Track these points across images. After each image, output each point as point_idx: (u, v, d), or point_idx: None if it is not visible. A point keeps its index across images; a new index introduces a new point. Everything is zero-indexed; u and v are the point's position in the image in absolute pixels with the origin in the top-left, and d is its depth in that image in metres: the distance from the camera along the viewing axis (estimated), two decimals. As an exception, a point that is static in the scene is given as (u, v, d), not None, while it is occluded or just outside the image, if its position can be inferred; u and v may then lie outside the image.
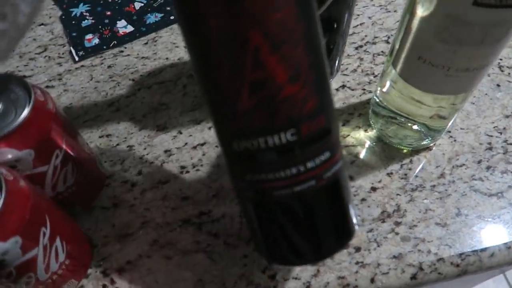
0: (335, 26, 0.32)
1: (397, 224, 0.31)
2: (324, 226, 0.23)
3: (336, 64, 0.37)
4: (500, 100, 0.37)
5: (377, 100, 0.33)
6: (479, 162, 0.34)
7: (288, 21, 0.19)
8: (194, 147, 0.35)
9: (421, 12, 0.24)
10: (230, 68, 0.19)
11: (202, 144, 0.35)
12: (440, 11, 0.23)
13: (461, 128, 0.35)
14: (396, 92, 0.30)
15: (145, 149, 0.35)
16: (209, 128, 0.36)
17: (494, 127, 0.35)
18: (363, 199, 0.32)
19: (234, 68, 0.19)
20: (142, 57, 0.41)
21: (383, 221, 0.31)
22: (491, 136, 0.35)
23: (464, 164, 0.34)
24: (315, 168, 0.21)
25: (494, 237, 0.30)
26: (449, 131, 0.35)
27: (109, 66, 0.40)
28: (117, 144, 0.35)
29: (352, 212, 0.24)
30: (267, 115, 0.20)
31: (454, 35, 0.23)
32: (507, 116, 0.36)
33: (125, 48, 0.42)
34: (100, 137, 0.36)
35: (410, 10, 0.25)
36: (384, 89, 0.32)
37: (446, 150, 0.34)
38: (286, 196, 0.22)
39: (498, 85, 0.38)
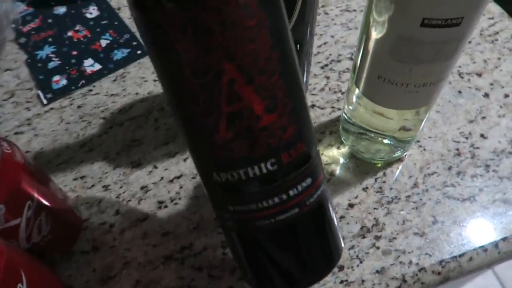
0: (298, 47, 0.33)
1: (377, 238, 0.31)
2: (311, 251, 0.23)
3: (304, 85, 0.38)
4: (463, 106, 0.38)
5: (346, 117, 0.34)
6: (450, 168, 0.35)
7: (262, 51, 0.18)
8: (171, 181, 0.35)
9: (375, 34, 0.25)
10: (205, 101, 0.19)
11: (179, 177, 0.35)
12: (392, 33, 0.24)
13: (429, 137, 0.37)
14: (362, 108, 0.31)
15: (121, 187, 0.35)
16: (184, 160, 0.36)
17: (460, 133, 0.37)
18: (342, 217, 0.33)
19: (210, 102, 0.19)
20: (112, 94, 0.41)
21: (363, 237, 0.31)
22: (458, 142, 0.36)
23: (435, 172, 0.34)
24: (297, 195, 0.21)
25: (470, 241, 0.31)
26: (418, 141, 0.36)
27: (78, 107, 0.40)
28: (92, 185, 0.35)
29: (338, 232, 0.25)
30: (246, 146, 0.20)
31: (407, 54, 0.24)
32: (471, 121, 0.37)
33: (94, 86, 0.42)
34: (74, 179, 0.36)
35: (365, 32, 0.26)
36: (351, 106, 0.32)
37: (417, 159, 0.35)
38: (270, 225, 0.22)
39: (460, 92, 0.39)
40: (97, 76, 0.42)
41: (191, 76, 0.18)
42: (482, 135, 0.36)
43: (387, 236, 0.31)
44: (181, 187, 0.35)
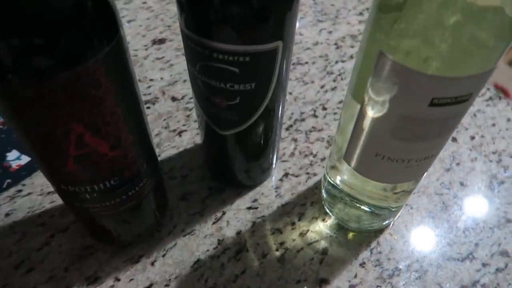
0: (272, 113, 0.29)
1: (389, 322, 0.28)
2: (142, 221, 0.30)
3: (276, 151, 0.35)
4: (436, 154, 0.37)
5: (332, 182, 0.31)
6: (441, 225, 0.33)
7: (108, 109, 0.21)
8: (140, 294, 0.29)
9: (372, 113, 0.22)
10: (55, 149, 0.21)
11: (149, 287, 0.29)
12: (394, 113, 0.21)
13: (412, 193, 0.35)
14: (354, 179, 0.28)
15: (77, 314, 0.28)
16: (152, 264, 0.30)
17: (441, 184, 0.35)
18: (346, 303, 0.29)
19: (59, 149, 0.21)
20: (49, 192, 0.34)
21: (374, 324, 0.28)
22: (441, 194, 0.35)
23: (428, 232, 0.32)
24: (135, 193, 0.26)
25: (482, 306, 0.29)
26: (402, 199, 0.34)
27: (6, 215, 0.33)
28: (39, 319, 0.28)
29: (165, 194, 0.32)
30: (92, 174, 0.23)
31: (412, 133, 0.22)
32: (447, 170, 0.36)
33: (24, 185, 0.34)
34: (12, 314, 0.28)
35: (359, 104, 0.23)
36: (340, 178, 0.29)
37: (407, 220, 0.33)
38: (112, 214, 0.27)
39: (429, 139, 0.39)
40: (26, 171, 0.35)
41: (41, 132, 0.20)
42: (461, 183, 0.35)
43: (399, 318, 0.28)
44: (153, 300, 0.29)
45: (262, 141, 0.30)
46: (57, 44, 0.17)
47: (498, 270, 0.31)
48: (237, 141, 0.29)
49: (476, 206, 0.34)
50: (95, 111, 0.20)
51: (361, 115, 0.23)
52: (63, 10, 0.17)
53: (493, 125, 0.40)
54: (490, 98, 0.42)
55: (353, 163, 0.26)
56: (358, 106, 0.23)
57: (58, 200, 0.34)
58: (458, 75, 0.18)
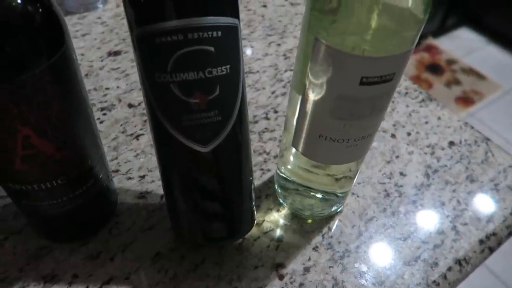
0: (245, 109, 0.30)
1: (341, 298, 0.30)
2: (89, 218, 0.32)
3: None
4: (377, 149, 0.41)
5: (284, 175, 0.33)
6: (384, 210, 0.36)
7: (55, 114, 0.22)
8: (99, 289, 0.29)
9: (313, 96, 0.25)
10: (3, 148, 0.23)
11: (108, 282, 0.30)
12: (331, 94, 0.24)
13: (358, 183, 0.38)
14: (302, 169, 0.31)
15: (33, 313, 0.28)
16: (112, 259, 0.31)
17: (383, 175, 0.39)
18: (301, 284, 0.31)
19: (6, 148, 0.22)
20: (1, 197, 0.34)
21: (328, 301, 0.30)
22: (384, 183, 0.38)
23: (373, 217, 0.35)
24: (82, 193, 0.28)
25: (423, 278, 0.32)
26: (349, 189, 0.37)
27: (-44, 220, 0.32)
28: (-8, 320, 0.27)
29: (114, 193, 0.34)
30: (39, 173, 0.25)
31: (348, 112, 0.24)
32: (388, 162, 0.40)
33: (-25, 191, 0.34)
34: (-37, 318, 0.27)
35: (300, 94, 0.26)
36: (289, 166, 0.32)
37: (354, 207, 0.36)
38: (59, 212, 0.28)
39: (371, 136, 0.42)
40: (-23, 177, 0.35)
41: None
42: (401, 173, 0.39)
43: (350, 294, 0.30)
44: (113, 294, 0.29)
45: (243, 145, 0.28)
46: (5, 53, 0.19)
47: (435, 246, 0.34)
48: (221, 156, 0.26)
49: (414, 193, 0.37)
50: (42, 115, 0.22)
51: (304, 100, 0.26)
52: (11, 21, 0.19)
53: (426, 122, 0.44)
54: (423, 100, 0.47)
55: (300, 147, 0.28)
56: (300, 97, 0.26)
57: (11, 205, 0.33)
58: (381, 55, 0.21)
